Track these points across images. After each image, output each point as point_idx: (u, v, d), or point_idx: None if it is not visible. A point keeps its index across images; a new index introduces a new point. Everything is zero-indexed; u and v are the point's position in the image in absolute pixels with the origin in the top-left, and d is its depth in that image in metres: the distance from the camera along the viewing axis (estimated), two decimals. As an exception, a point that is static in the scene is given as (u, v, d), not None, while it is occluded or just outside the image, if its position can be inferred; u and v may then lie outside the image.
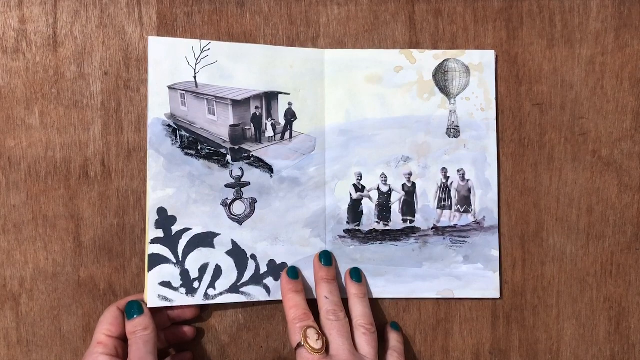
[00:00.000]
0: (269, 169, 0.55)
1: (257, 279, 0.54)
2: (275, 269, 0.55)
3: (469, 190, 0.57)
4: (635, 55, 0.57)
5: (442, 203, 0.57)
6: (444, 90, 0.57)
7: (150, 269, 0.52)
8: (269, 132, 0.55)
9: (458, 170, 0.56)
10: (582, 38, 0.57)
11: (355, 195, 0.56)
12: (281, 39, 0.56)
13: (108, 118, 0.54)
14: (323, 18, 0.56)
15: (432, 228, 0.56)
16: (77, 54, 0.54)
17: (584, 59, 0.57)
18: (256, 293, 0.54)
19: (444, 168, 0.57)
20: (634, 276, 0.57)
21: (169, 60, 0.53)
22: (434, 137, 0.56)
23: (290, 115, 0.55)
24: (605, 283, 0.57)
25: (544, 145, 0.57)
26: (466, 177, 0.57)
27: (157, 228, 0.53)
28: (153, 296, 0.52)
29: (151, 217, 0.52)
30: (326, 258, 0.54)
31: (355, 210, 0.56)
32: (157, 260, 0.52)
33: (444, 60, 0.57)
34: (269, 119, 0.55)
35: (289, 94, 0.55)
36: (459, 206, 0.57)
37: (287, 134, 0.55)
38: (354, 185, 0.56)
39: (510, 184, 0.57)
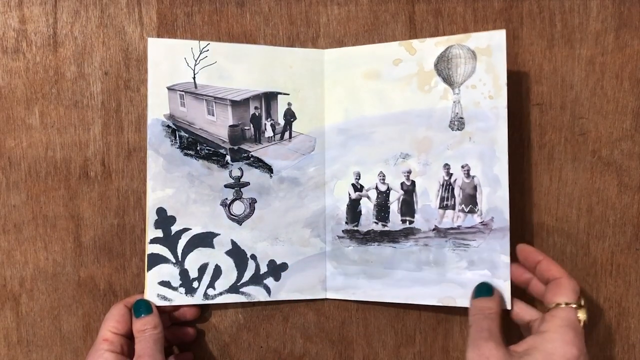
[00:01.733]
0: (269, 169, 0.55)
1: (257, 279, 0.54)
2: (275, 269, 0.55)
3: (475, 187, 0.52)
4: (635, 55, 0.57)
5: (445, 202, 0.53)
6: (447, 79, 0.53)
7: (149, 269, 0.52)
8: (269, 133, 0.55)
9: (462, 166, 0.52)
10: (582, 38, 0.57)
11: (353, 195, 0.55)
12: (281, 39, 0.56)
13: (108, 118, 0.54)
14: (323, 18, 0.56)
15: (433, 229, 0.53)
16: (77, 54, 0.54)
17: (584, 59, 0.57)
18: (256, 293, 0.54)
19: (446, 164, 0.53)
20: (634, 276, 0.57)
21: (168, 61, 0.53)
22: (436, 131, 0.53)
23: (290, 116, 0.55)
24: (605, 283, 0.57)
25: (544, 145, 0.57)
26: (471, 173, 0.52)
27: (156, 228, 0.53)
28: (152, 295, 0.52)
29: (151, 217, 0.53)
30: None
31: (353, 210, 0.55)
32: (156, 260, 0.52)
33: (447, 47, 0.53)
34: (269, 119, 0.55)
35: (288, 94, 0.55)
36: (463, 206, 0.53)
37: (286, 134, 0.55)
38: (353, 184, 0.55)
39: (510, 184, 0.57)
